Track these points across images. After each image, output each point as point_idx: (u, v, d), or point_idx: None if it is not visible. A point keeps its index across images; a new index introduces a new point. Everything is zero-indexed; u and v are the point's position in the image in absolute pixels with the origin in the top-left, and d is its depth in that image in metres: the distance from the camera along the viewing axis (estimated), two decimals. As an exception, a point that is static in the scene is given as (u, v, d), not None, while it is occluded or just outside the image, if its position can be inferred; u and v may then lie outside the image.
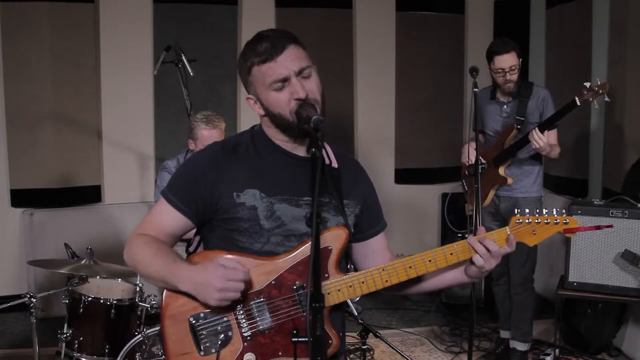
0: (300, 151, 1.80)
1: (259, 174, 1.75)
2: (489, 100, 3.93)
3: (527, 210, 1.74)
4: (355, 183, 1.90)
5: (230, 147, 1.79)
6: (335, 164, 1.85)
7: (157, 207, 1.81)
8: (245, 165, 1.76)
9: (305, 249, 1.73)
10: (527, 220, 1.72)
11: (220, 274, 1.62)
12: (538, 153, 3.79)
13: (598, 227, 1.81)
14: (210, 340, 1.71)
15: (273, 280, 1.72)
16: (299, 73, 1.71)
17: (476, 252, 1.71)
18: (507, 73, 3.70)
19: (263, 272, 1.72)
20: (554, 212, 1.73)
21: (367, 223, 1.92)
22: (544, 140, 3.52)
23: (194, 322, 1.71)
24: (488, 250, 1.71)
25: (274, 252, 1.74)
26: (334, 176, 1.81)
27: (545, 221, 1.72)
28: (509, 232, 1.73)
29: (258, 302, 1.72)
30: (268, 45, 1.70)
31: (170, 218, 1.77)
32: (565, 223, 1.71)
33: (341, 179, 1.84)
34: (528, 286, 3.95)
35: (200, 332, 1.71)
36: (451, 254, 1.73)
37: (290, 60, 1.70)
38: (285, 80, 1.70)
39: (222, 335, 1.71)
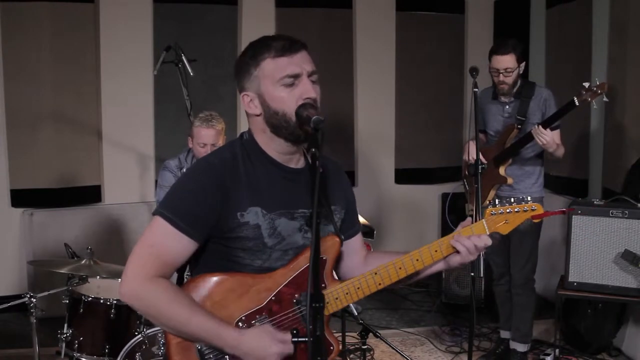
0: (292, 163, 1.79)
1: (258, 190, 1.73)
2: (491, 100, 3.92)
3: (497, 201, 1.87)
4: (339, 186, 1.92)
5: (229, 164, 1.73)
6: (320, 169, 1.85)
7: (161, 234, 1.68)
8: (245, 182, 1.73)
9: (300, 262, 1.75)
10: (499, 211, 1.84)
11: (279, 351, 1.65)
12: (540, 153, 3.79)
13: (563, 212, 1.97)
14: None
15: (273, 296, 1.73)
16: (310, 75, 1.72)
17: (458, 251, 1.80)
18: (502, 74, 3.70)
19: (263, 288, 1.73)
20: (522, 202, 1.86)
21: (348, 224, 1.95)
22: (548, 135, 3.50)
23: (199, 347, 1.70)
24: (475, 246, 1.79)
25: (272, 268, 1.75)
26: (322, 182, 1.81)
27: (516, 210, 1.85)
28: (485, 225, 1.83)
29: (261, 319, 1.72)
30: (285, 43, 1.70)
31: (181, 245, 1.68)
32: (533, 210, 1.85)
33: (327, 184, 1.85)
34: (529, 287, 3.94)
35: (208, 357, 1.70)
36: (436, 251, 1.81)
37: (304, 61, 1.71)
38: (297, 77, 1.69)
39: (230, 358, 1.70)
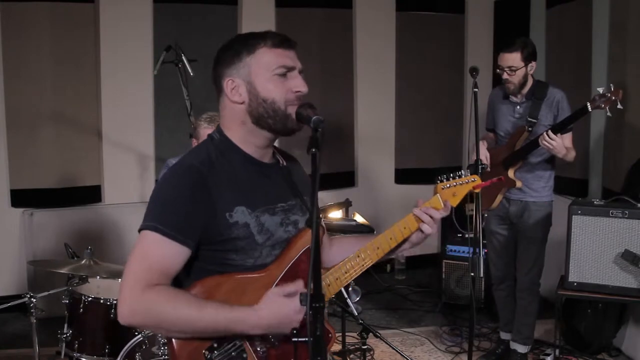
0: (266, 158, 1.82)
1: (240, 188, 1.72)
2: (502, 99, 3.87)
3: (444, 176, 2.04)
4: (302, 178, 1.95)
5: (207, 164, 1.70)
6: (284, 162, 1.89)
7: (151, 246, 1.63)
8: (226, 182, 1.70)
9: (290, 254, 1.78)
10: (448, 185, 2.04)
11: (296, 307, 1.65)
12: (550, 157, 3.74)
13: (499, 179, 2.18)
14: None
15: None
16: (300, 72, 1.77)
17: (422, 221, 1.94)
18: (506, 72, 3.68)
19: (261, 285, 1.72)
20: (462, 174, 2.03)
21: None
22: (557, 140, 3.45)
23: (209, 355, 1.67)
24: (431, 217, 1.93)
25: (264, 264, 1.75)
26: (289, 176, 1.86)
27: (460, 182, 2.03)
28: (440, 198, 1.99)
29: None
30: (282, 37, 1.75)
31: (173, 253, 1.63)
32: (473, 181, 2.02)
33: (293, 177, 1.88)
34: (534, 291, 3.91)
35: None
36: (404, 227, 1.97)
37: (296, 58, 1.77)
38: (291, 69, 1.73)
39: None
